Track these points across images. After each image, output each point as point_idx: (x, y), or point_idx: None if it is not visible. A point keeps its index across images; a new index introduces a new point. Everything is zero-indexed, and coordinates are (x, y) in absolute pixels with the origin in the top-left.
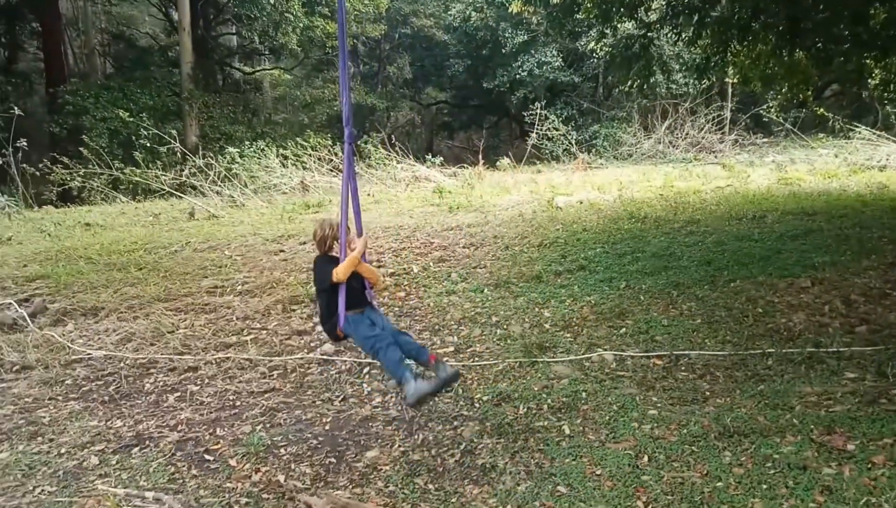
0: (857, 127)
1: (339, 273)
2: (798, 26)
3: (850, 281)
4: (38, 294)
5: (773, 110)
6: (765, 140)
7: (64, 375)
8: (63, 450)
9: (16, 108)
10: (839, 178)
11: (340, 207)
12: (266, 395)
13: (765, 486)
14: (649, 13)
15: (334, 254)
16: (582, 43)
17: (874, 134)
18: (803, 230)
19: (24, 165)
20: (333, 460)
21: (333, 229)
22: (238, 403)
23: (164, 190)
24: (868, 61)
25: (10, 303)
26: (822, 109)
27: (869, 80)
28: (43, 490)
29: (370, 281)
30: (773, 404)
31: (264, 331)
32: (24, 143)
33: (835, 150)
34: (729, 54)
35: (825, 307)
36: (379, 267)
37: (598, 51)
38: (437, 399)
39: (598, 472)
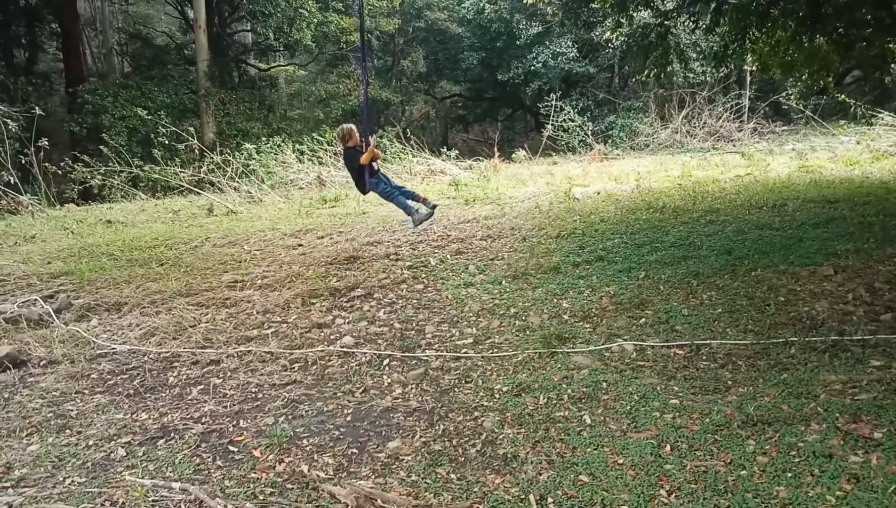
0: (879, 113)
1: (364, 159)
2: (819, 11)
3: (873, 269)
4: (62, 290)
5: (792, 97)
6: (784, 128)
7: (89, 369)
8: (91, 442)
9: (37, 108)
10: (861, 165)
11: (364, 123)
12: (288, 387)
13: (790, 474)
14: (666, 1)
15: (350, 145)
16: (597, 33)
17: None
18: (825, 218)
19: (46, 164)
20: (355, 450)
21: (347, 129)
22: (260, 395)
23: (183, 186)
24: (891, 46)
25: (36, 300)
26: (843, 96)
27: (892, 66)
28: (73, 482)
29: (376, 157)
30: (796, 392)
31: (284, 325)
32: (46, 143)
33: (857, 137)
34: (747, 41)
35: (848, 295)
36: (397, 260)
37: (614, 40)
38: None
39: (620, 461)
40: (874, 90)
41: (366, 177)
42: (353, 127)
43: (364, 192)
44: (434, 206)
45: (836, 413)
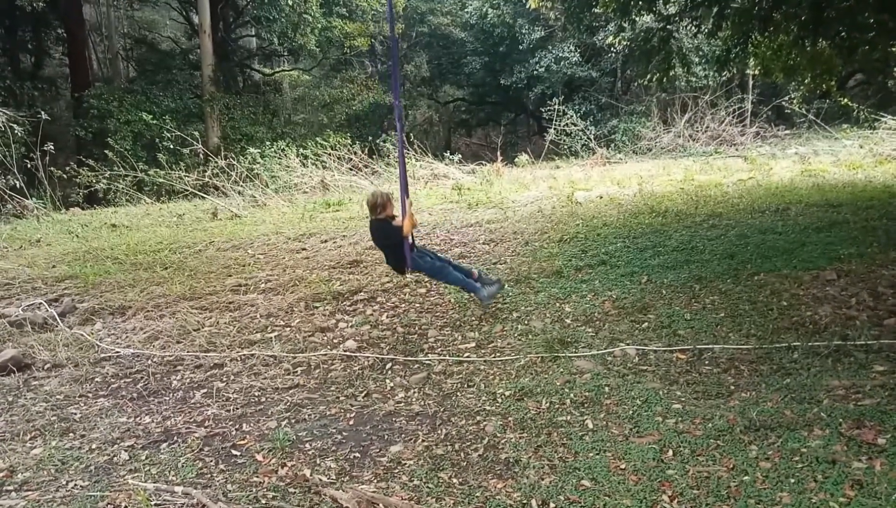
0: (882, 116)
1: (407, 229)
2: (821, 15)
3: (877, 273)
4: (67, 294)
5: (795, 101)
6: (787, 132)
7: (93, 373)
8: (94, 446)
9: (43, 113)
10: (865, 169)
11: (399, 180)
12: (290, 391)
13: (793, 480)
14: (668, 5)
15: (382, 217)
16: (600, 37)
17: None
18: (828, 222)
19: (52, 168)
20: (358, 455)
21: (384, 197)
22: (263, 399)
23: (188, 191)
24: (894, 49)
25: (41, 303)
26: (846, 99)
27: (895, 69)
28: (76, 485)
29: (415, 225)
30: (799, 397)
31: (288, 328)
32: (51, 147)
33: (860, 141)
34: (750, 45)
35: (852, 299)
36: None
37: (617, 45)
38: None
39: (622, 466)
40: (877, 94)
41: (407, 253)
42: (390, 195)
43: (404, 272)
44: (499, 281)
45: (840, 418)
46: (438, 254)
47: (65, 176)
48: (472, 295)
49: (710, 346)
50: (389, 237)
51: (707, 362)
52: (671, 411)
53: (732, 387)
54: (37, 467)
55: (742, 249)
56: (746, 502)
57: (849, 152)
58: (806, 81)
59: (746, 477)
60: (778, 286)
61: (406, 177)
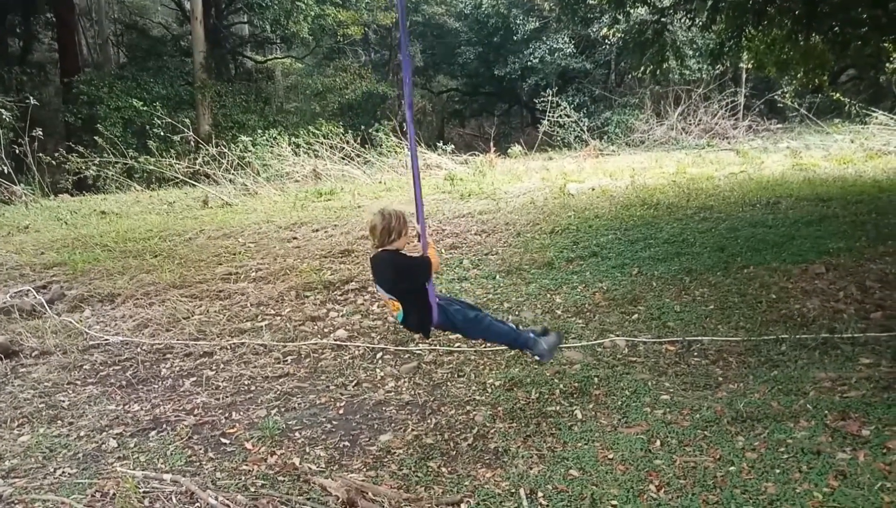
0: (873, 112)
1: (436, 261)
2: (814, 10)
3: (865, 267)
4: (55, 281)
5: (787, 96)
6: (779, 126)
7: (82, 360)
8: (82, 433)
9: (31, 98)
10: (855, 164)
11: (415, 196)
12: (280, 380)
13: (778, 471)
14: None
15: (393, 249)
16: (594, 29)
17: (891, 119)
18: (818, 216)
19: (40, 154)
20: (347, 443)
21: (399, 219)
22: (253, 388)
23: (178, 178)
24: (886, 45)
25: (29, 290)
26: (838, 94)
27: (887, 65)
28: (63, 472)
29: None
30: (786, 389)
31: (278, 317)
32: (40, 133)
33: (851, 136)
34: (743, 39)
35: (840, 293)
36: None
37: (611, 37)
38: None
39: (610, 456)
40: (869, 89)
41: (433, 300)
42: (404, 215)
43: (428, 333)
44: (557, 332)
45: (825, 410)
46: (464, 300)
47: (54, 162)
48: (527, 352)
49: (700, 338)
50: (413, 277)
51: (696, 354)
52: (659, 402)
53: (720, 379)
54: (24, 454)
55: (732, 242)
56: (732, 492)
57: (840, 147)
58: (798, 76)
59: (732, 468)
60: (767, 279)
61: (420, 192)
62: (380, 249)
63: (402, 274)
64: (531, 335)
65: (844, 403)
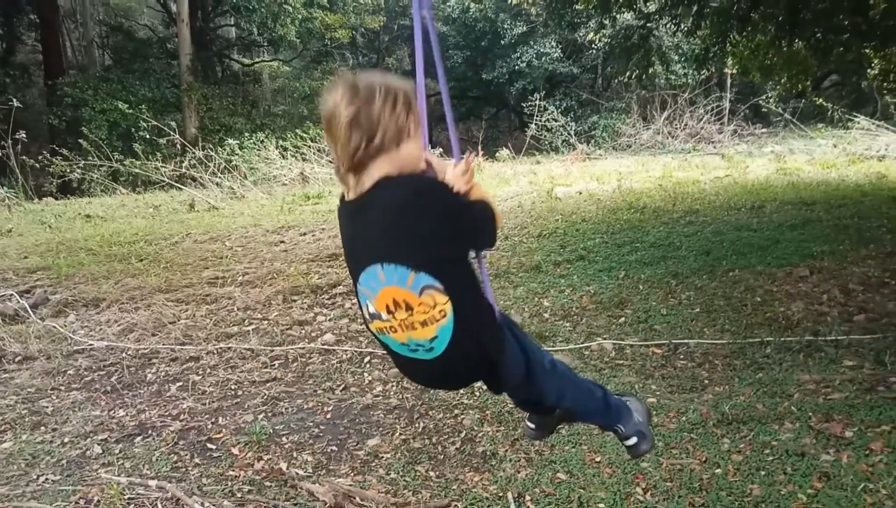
0: (856, 117)
1: (499, 216)
2: (797, 16)
3: (848, 271)
4: (39, 285)
5: (772, 101)
6: (764, 130)
7: (66, 365)
8: (66, 440)
9: (14, 100)
10: (838, 168)
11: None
12: (267, 385)
13: (763, 472)
14: (648, 3)
15: (419, 170)
16: (581, 34)
17: (873, 124)
18: (802, 220)
19: (24, 157)
20: (335, 448)
21: (404, 96)
22: (240, 393)
23: (164, 181)
24: (867, 51)
25: (12, 294)
26: (821, 100)
27: (868, 70)
28: (47, 479)
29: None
30: (771, 392)
31: (265, 321)
32: (24, 135)
33: (834, 140)
34: (728, 45)
35: (823, 296)
36: None
37: (598, 42)
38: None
39: (597, 459)
40: (851, 94)
41: (489, 294)
42: (408, 89)
43: (500, 389)
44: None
45: (810, 412)
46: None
47: (38, 165)
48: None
49: (686, 341)
50: (471, 232)
51: (682, 357)
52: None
53: (706, 382)
54: (6, 461)
55: (718, 246)
56: (718, 494)
57: (823, 151)
58: (782, 81)
59: (718, 470)
60: (752, 282)
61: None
62: (385, 178)
63: (455, 222)
64: (623, 408)
65: (828, 405)
